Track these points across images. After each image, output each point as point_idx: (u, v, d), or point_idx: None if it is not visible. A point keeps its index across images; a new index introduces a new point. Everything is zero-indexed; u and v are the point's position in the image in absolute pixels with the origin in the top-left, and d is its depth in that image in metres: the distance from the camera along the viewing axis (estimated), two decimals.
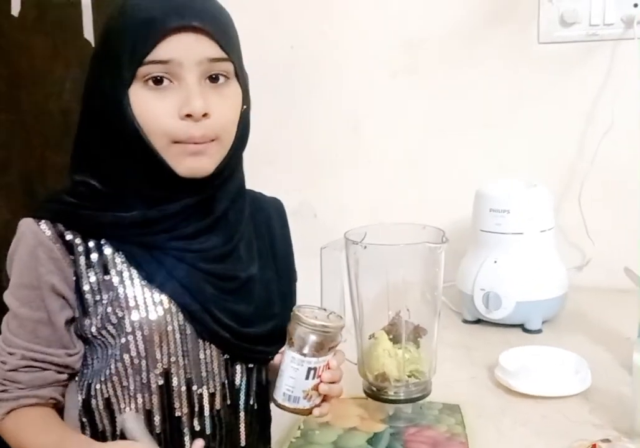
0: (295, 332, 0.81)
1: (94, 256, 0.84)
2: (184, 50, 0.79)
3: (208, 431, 0.87)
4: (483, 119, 1.52)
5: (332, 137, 1.62)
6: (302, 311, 0.82)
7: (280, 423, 1.00)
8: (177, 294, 0.84)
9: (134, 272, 0.85)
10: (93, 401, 0.85)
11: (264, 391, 0.92)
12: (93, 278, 0.84)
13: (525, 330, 1.27)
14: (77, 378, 0.88)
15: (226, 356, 0.88)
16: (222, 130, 0.83)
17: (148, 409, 0.85)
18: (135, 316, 0.83)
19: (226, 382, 0.89)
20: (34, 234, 0.83)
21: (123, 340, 0.83)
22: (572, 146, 1.47)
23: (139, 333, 0.83)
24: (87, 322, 0.84)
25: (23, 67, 1.87)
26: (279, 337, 0.85)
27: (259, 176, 1.67)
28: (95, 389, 0.85)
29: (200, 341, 0.86)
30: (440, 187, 1.55)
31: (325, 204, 1.66)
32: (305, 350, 0.81)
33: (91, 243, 0.84)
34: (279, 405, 0.84)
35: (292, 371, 0.82)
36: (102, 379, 0.85)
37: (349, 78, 1.59)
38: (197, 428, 0.87)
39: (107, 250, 0.84)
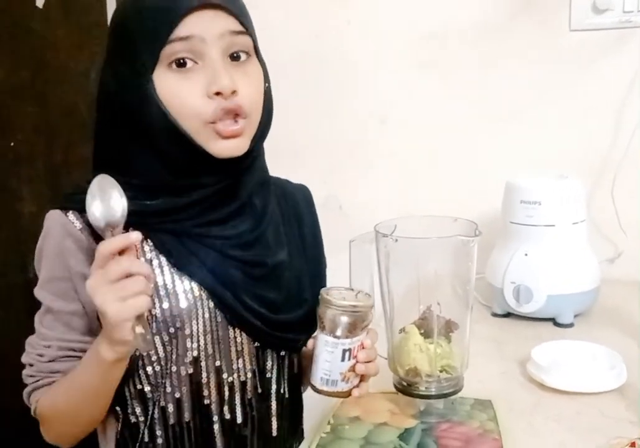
0: (326, 315, 0.81)
1: None
2: (206, 25, 0.78)
3: (239, 419, 0.87)
4: (512, 110, 1.50)
5: (358, 129, 1.61)
6: (330, 293, 0.82)
7: (309, 417, 0.99)
8: (207, 281, 0.84)
9: (163, 260, 0.84)
10: (125, 389, 0.85)
11: (295, 379, 0.92)
12: None
13: (557, 324, 1.25)
14: None
15: (257, 344, 0.88)
16: (250, 107, 0.82)
17: (177, 397, 0.84)
18: (165, 304, 0.83)
19: (257, 370, 0.89)
20: (61, 226, 0.83)
21: (154, 328, 0.82)
22: (605, 137, 1.44)
23: (169, 321, 0.82)
24: None
25: (48, 60, 1.87)
26: (310, 323, 0.85)
27: (284, 168, 1.66)
28: (127, 378, 0.84)
29: (231, 329, 0.86)
30: (468, 179, 1.53)
31: (351, 197, 1.65)
32: (338, 333, 0.80)
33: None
34: (317, 390, 0.84)
35: (327, 355, 0.81)
36: (133, 368, 0.84)
37: (375, 69, 1.58)
38: (227, 416, 0.87)
39: None
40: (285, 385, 0.91)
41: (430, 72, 1.54)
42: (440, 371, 0.93)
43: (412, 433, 0.90)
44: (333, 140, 1.62)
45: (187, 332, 0.83)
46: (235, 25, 0.80)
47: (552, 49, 1.45)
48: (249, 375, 0.88)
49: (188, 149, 0.81)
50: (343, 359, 0.81)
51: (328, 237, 1.69)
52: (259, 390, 0.89)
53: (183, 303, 0.83)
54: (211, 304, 0.84)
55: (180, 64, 0.78)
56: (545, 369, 1.02)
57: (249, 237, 0.87)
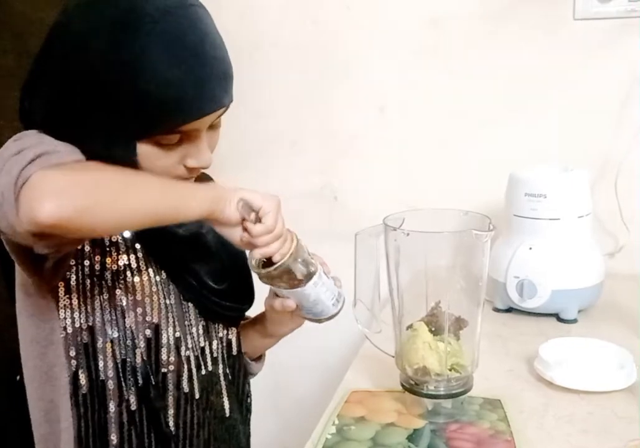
0: (283, 275, 0.80)
1: None
2: (206, 121, 0.78)
3: (197, 395, 0.86)
4: (514, 101, 1.46)
5: (356, 118, 1.56)
6: (254, 262, 0.80)
7: (311, 416, 0.96)
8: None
9: None
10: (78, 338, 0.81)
11: (235, 361, 0.93)
12: None
13: (560, 320, 1.23)
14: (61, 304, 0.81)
15: (202, 322, 0.88)
16: None
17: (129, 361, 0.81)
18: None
19: (207, 347, 0.89)
20: None
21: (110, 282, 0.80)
22: (609, 129, 1.41)
23: (128, 273, 0.81)
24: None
25: (32, 44, 1.80)
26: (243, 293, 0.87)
27: (281, 157, 1.64)
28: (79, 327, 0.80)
29: (184, 303, 0.86)
30: (469, 171, 1.50)
31: (347, 187, 1.61)
32: (305, 272, 0.81)
33: None
34: (334, 316, 0.89)
35: (321, 290, 0.84)
36: (85, 317, 0.80)
37: (375, 56, 1.53)
38: (186, 390, 0.85)
39: None
40: (228, 366, 0.92)
41: (431, 61, 1.50)
42: (450, 370, 0.90)
43: (421, 434, 0.87)
44: (330, 129, 1.58)
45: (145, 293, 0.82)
46: (225, 107, 0.80)
47: (556, 38, 1.42)
48: (199, 352, 0.87)
49: None
50: (328, 277, 0.86)
51: (322, 227, 1.67)
52: (210, 368, 0.89)
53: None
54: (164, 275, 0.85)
55: (167, 144, 0.77)
56: (553, 367, 0.99)
57: None
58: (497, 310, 1.28)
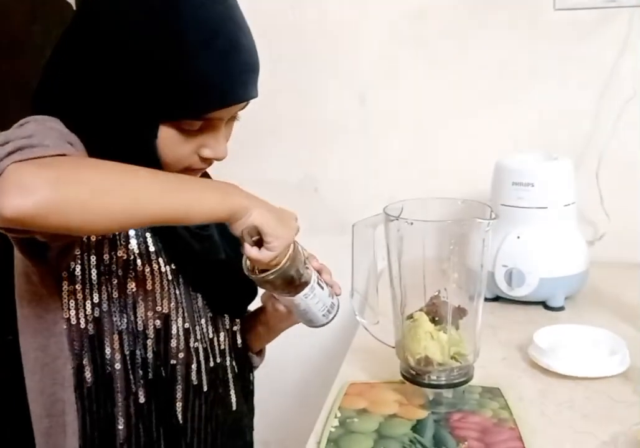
0: (274, 282, 0.78)
1: None
2: (232, 110, 0.78)
3: (205, 387, 0.84)
4: (495, 90, 1.46)
5: (336, 108, 1.55)
6: (246, 265, 0.79)
7: (312, 409, 0.95)
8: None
9: None
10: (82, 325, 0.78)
11: (241, 354, 0.92)
12: None
13: (548, 308, 1.24)
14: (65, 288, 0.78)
15: (210, 314, 0.86)
16: None
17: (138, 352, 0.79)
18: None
19: (215, 339, 0.87)
20: None
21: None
22: (590, 119, 1.42)
23: (139, 263, 0.79)
24: None
25: None
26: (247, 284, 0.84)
27: (258, 147, 1.61)
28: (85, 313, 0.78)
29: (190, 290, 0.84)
30: (452, 161, 1.49)
31: (328, 179, 1.60)
32: (297, 282, 0.80)
33: None
34: (326, 324, 0.88)
35: (311, 302, 0.83)
36: (92, 308, 0.77)
37: (356, 46, 1.51)
38: (195, 382, 0.83)
39: None
40: (235, 358, 0.90)
41: (413, 51, 1.49)
42: (451, 359, 0.90)
43: (425, 424, 0.86)
44: (310, 119, 1.56)
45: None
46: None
47: (536, 28, 1.42)
48: (208, 343, 0.86)
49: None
50: (322, 288, 0.84)
51: (301, 220, 1.65)
52: (218, 360, 0.87)
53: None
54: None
55: (188, 130, 0.76)
56: (549, 355, 1.00)
57: None
58: (485, 299, 1.28)
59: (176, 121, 0.75)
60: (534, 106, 1.45)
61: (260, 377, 0.98)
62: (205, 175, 0.90)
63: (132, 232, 0.79)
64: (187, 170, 0.80)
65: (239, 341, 0.91)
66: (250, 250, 0.73)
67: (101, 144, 0.73)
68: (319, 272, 0.87)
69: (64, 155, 0.65)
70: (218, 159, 0.80)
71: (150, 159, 0.75)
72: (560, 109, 1.43)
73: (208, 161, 0.81)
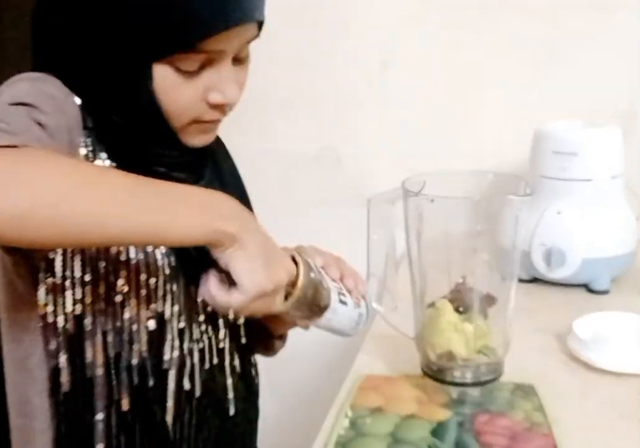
0: (291, 314, 0.72)
1: None
2: (232, 39, 0.68)
3: (197, 393, 0.75)
4: (533, 54, 1.33)
5: (358, 74, 1.43)
6: None
7: (321, 406, 0.86)
8: None
9: None
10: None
11: (244, 351, 0.83)
12: None
13: (590, 291, 1.12)
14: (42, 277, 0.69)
15: (209, 309, 0.76)
16: (235, 104, 0.74)
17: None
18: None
19: (214, 338, 0.78)
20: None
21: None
22: (631, 84, 1.28)
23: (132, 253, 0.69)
24: None
25: None
26: None
27: (279, 119, 1.50)
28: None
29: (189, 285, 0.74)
30: (485, 130, 1.37)
31: (350, 150, 1.48)
32: (316, 309, 0.73)
33: None
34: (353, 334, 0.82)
35: (334, 323, 0.76)
36: (72, 304, 0.68)
37: (375, 9, 1.39)
38: (187, 387, 0.74)
39: None
40: (237, 356, 0.81)
41: (442, 11, 1.36)
42: (477, 353, 0.79)
43: (446, 428, 0.76)
44: (330, 87, 1.44)
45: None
46: (255, 31, 0.71)
47: None
48: (206, 342, 0.77)
49: (164, 135, 0.71)
50: (345, 304, 0.77)
51: (321, 191, 1.56)
52: (215, 361, 0.78)
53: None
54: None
55: (187, 71, 0.68)
56: (590, 347, 0.89)
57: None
58: (520, 280, 1.16)
59: (170, 58, 0.66)
60: (575, 71, 1.31)
61: (262, 373, 0.89)
62: (217, 140, 0.81)
63: None
64: (199, 124, 0.72)
65: (243, 339, 0.82)
66: (214, 288, 0.63)
67: (99, 99, 0.68)
68: (340, 278, 0.78)
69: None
70: (229, 103, 0.71)
71: (150, 109, 0.68)
72: (603, 73, 1.29)
73: (220, 109, 0.71)
